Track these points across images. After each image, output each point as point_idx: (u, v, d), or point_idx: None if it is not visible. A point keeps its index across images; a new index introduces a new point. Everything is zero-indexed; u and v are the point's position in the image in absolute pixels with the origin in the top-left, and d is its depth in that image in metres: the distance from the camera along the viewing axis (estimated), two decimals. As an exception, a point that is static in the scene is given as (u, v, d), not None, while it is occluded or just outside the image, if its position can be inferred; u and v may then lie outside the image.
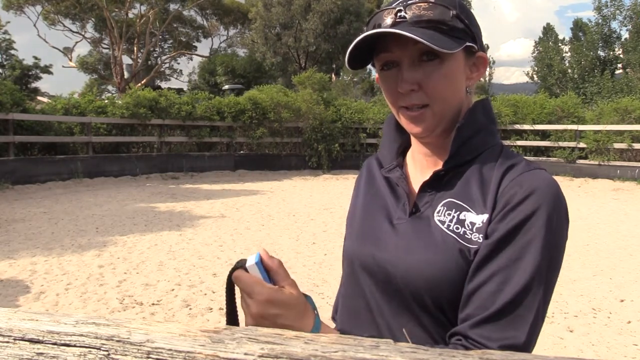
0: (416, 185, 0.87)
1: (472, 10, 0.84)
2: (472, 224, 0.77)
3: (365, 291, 0.86)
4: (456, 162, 0.82)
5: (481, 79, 0.93)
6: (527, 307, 0.71)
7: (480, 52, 0.84)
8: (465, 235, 0.76)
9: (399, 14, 0.77)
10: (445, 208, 0.80)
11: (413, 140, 0.90)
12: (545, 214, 0.72)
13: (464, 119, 0.83)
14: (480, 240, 0.75)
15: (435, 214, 0.81)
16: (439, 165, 0.84)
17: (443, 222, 0.79)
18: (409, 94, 0.80)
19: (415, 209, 0.83)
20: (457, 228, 0.77)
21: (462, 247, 0.76)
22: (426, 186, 0.84)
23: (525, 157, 0.83)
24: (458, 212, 0.79)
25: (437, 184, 0.83)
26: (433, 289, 0.76)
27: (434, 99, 0.80)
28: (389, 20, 0.78)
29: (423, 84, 0.79)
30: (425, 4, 0.77)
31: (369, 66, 0.90)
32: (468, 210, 0.78)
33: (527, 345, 0.70)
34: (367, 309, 0.85)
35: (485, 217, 0.76)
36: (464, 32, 0.79)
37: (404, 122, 0.84)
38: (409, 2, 0.78)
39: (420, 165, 0.89)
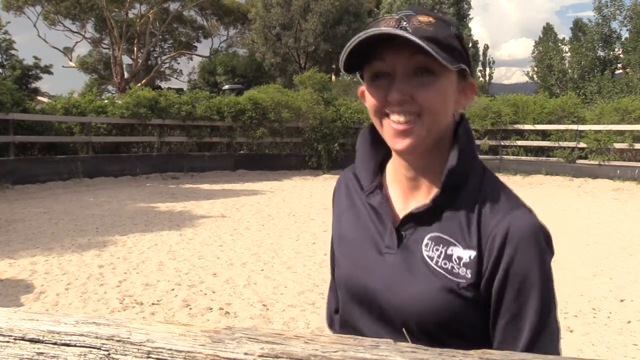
0: (398, 207, 0.87)
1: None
2: (460, 258, 0.78)
3: (358, 321, 0.87)
4: (445, 195, 0.81)
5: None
6: (547, 345, 0.75)
7: (471, 78, 0.83)
8: (453, 270, 0.78)
9: (401, 23, 0.75)
10: (432, 243, 0.81)
11: (394, 157, 0.88)
12: (537, 259, 0.76)
13: (455, 158, 0.80)
14: (469, 276, 0.77)
15: (424, 248, 0.81)
16: (421, 188, 0.85)
17: (432, 258, 0.80)
18: (399, 104, 0.78)
19: (400, 236, 0.83)
20: (445, 263, 0.79)
21: (451, 283, 0.78)
22: (410, 217, 0.83)
23: (509, 187, 0.85)
24: (445, 247, 0.79)
25: (423, 214, 0.82)
26: (423, 322, 0.79)
27: (426, 109, 0.77)
28: (388, 28, 0.76)
29: (416, 96, 0.77)
30: (427, 19, 0.76)
31: None
32: (455, 245, 0.79)
33: None
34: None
35: (472, 253, 0.78)
36: (460, 54, 0.78)
37: (388, 134, 0.81)
38: (411, 15, 0.77)
39: (402, 187, 0.87)
